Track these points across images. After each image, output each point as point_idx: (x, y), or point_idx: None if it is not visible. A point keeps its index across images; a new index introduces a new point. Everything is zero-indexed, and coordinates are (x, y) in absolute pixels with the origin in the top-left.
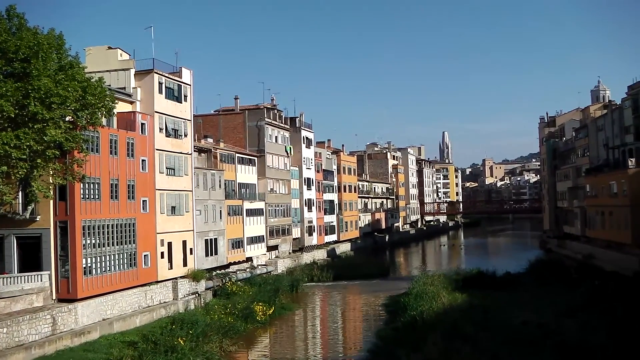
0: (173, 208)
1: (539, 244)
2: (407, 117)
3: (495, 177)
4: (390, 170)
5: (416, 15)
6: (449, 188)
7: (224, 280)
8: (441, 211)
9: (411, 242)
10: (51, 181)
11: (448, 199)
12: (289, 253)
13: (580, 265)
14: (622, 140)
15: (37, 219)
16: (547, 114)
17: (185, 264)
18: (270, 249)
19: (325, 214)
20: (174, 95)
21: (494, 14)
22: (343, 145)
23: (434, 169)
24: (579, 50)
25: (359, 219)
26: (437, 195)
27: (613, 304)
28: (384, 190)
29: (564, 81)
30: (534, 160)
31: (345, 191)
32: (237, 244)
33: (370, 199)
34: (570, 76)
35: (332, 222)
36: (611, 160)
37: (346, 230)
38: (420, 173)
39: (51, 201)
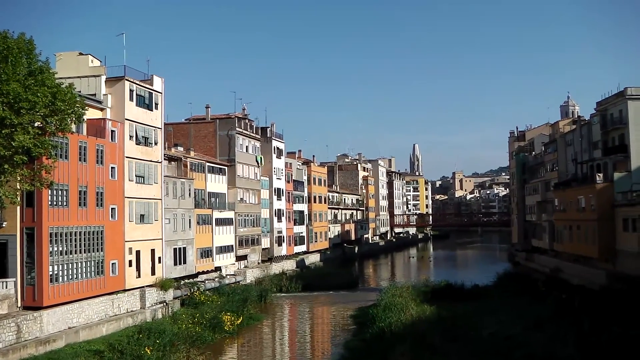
0: (142, 216)
1: (507, 257)
2: (378, 129)
3: (465, 190)
4: (360, 181)
5: (388, 27)
6: (418, 200)
7: (192, 290)
8: (411, 223)
9: (380, 254)
10: (18, 187)
11: (418, 211)
12: (258, 263)
13: (548, 279)
14: (591, 156)
15: (3, 225)
16: (517, 128)
17: (153, 273)
18: (239, 258)
19: (295, 224)
20: (145, 102)
21: (464, 29)
22: (314, 156)
23: (404, 181)
24: (549, 66)
25: (329, 230)
26: (407, 207)
27: (580, 318)
28: (354, 201)
29: (534, 96)
30: (503, 174)
31: (315, 202)
32: (206, 253)
33: (340, 210)
34: (540, 91)
35: (301, 232)
36: (579, 175)
37: (316, 241)
38: (390, 185)
39: (18, 207)
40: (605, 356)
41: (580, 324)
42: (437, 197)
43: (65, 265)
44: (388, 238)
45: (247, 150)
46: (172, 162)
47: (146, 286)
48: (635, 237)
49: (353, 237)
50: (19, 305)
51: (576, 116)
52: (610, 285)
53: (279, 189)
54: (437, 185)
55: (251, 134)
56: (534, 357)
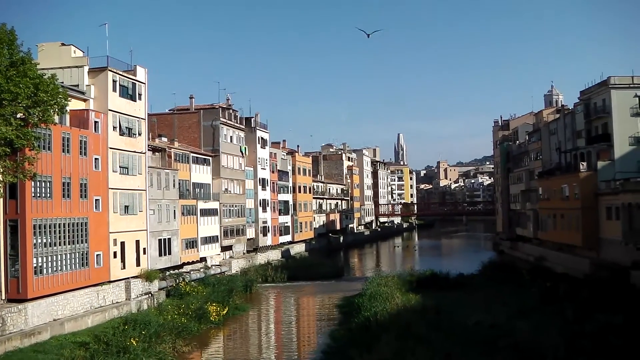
0: (126, 207)
1: (492, 246)
2: (363, 118)
3: (450, 179)
4: (345, 171)
5: (371, 17)
6: (403, 190)
7: (177, 281)
8: (395, 213)
9: (365, 243)
10: (1, 179)
11: (402, 201)
12: (243, 253)
13: (532, 267)
14: (574, 144)
15: None
16: (501, 117)
17: (138, 264)
18: (225, 249)
19: (279, 214)
20: (128, 93)
21: (447, 18)
22: (298, 146)
23: (389, 171)
24: (533, 55)
25: (314, 220)
26: (392, 196)
27: (564, 305)
28: (339, 191)
29: (517, 85)
30: (487, 163)
31: (300, 192)
32: (191, 244)
33: (325, 200)
34: (524, 80)
35: (286, 222)
36: (563, 163)
37: (301, 231)
38: (375, 174)
39: (1, 199)
40: (589, 344)
41: (565, 312)
42: (422, 186)
43: (50, 257)
44: (373, 227)
45: (231, 141)
46: (156, 153)
47: (131, 277)
48: (619, 226)
49: (338, 227)
50: (3, 297)
51: (560, 105)
52: (594, 273)
53: (263, 179)
54: (422, 174)
55: (235, 124)
56: (519, 345)
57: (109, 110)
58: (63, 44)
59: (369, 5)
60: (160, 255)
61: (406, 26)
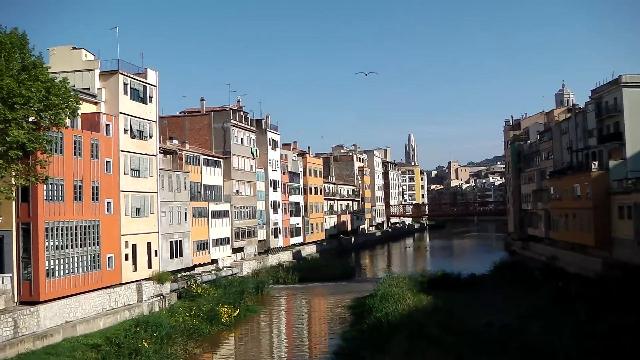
0: (138, 210)
1: (504, 246)
2: (374, 119)
3: (461, 180)
4: (356, 172)
5: (382, 18)
6: (414, 190)
7: (189, 282)
8: (407, 213)
9: (377, 244)
10: (13, 182)
11: (414, 201)
12: (255, 255)
13: (544, 267)
14: (586, 144)
15: None
16: (512, 117)
17: (149, 266)
18: (236, 250)
19: (291, 215)
20: (139, 96)
21: (458, 18)
22: (309, 147)
23: (400, 171)
24: (544, 54)
25: (325, 221)
26: (403, 197)
27: (576, 306)
28: (350, 192)
29: (529, 85)
30: (499, 163)
31: (311, 193)
32: (203, 245)
33: (336, 201)
34: (535, 80)
35: (297, 224)
36: (575, 163)
37: (312, 232)
38: (386, 175)
39: (13, 202)
40: (601, 345)
41: (577, 312)
42: (433, 186)
43: (62, 260)
44: (384, 228)
45: (242, 143)
46: (168, 155)
47: (143, 279)
48: (631, 225)
49: (349, 228)
50: (16, 300)
51: (571, 104)
52: (606, 273)
53: (274, 181)
54: (433, 175)
55: (246, 126)
56: (530, 346)
57: (120, 113)
58: (74, 48)
59: (380, 9)
60: (171, 257)
61: (415, 28)
